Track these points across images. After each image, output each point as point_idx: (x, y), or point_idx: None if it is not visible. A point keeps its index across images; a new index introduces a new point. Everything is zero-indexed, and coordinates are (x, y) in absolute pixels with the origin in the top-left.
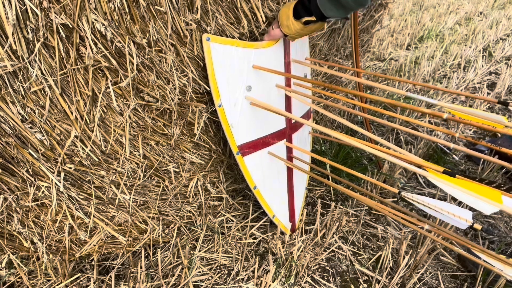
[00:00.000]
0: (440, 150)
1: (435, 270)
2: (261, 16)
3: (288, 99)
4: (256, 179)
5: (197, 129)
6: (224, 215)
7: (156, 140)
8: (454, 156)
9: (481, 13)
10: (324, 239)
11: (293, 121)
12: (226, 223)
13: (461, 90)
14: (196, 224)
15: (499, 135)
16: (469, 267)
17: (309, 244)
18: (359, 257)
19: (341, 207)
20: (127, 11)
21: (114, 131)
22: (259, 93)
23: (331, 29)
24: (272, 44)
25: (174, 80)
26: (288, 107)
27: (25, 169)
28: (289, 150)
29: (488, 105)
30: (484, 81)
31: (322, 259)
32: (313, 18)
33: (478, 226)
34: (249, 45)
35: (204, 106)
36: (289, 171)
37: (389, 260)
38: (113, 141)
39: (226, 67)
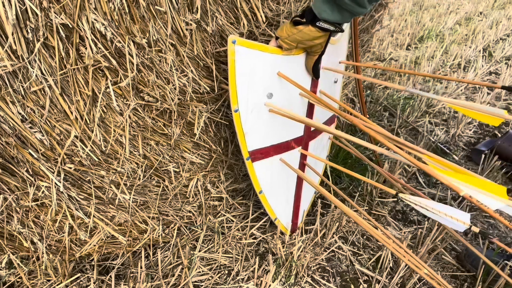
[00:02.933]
0: (440, 150)
1: (435, 270)
2: (261, 16)
3: (311, 107)
4: (263, 184)
5: (197, 129)
6: (224, 215)
7: (156, 140)
8: (454, 156)
9: (481, 13)
10: (324, 239)
11: (312, 128)
12: (226, 223)
13: (461, 90)
14: (196, 224)
15: (499, 134)
16: (467, 267)
17: (309, 244)
18: (359, 257)
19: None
20: (127, 11)
21: (114, 131)
22: (280, 100)
23: None
24: (302, 51)
25: (174, 80)
26: (310, 115)
27: (25, 169)
28: (303, 156)
29: (489, 104)
30: (484, 81)
31: (322, 259)
32: (303, 20)
33: (475, 229)
34: (278, 51)
35: (204, 106)
36: (302, 180)
37: (389, 260)
38: (113, 141)
39: (249, 72)
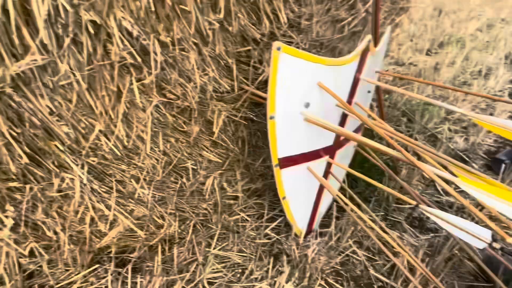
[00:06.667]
0: (460, 159)
1: (452, 279)
2: (282, 17)
3: (344, 117)
4: (288, 191)
5: (216, 128)
6: (239, 214)
7: (176, 137)
8: (473, 164)
9: (503, 19)
10: (339, 243)
11: (341, 138)
12: (241, 222)
13: (482, 99)
14: (212, 221)
15: None
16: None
17: (323, 247)
18: (374, 263)
19: (357, 211)
20: (153, 9)
21: (137, 127)
22: (316, 110)
23: (352, 32)
24: (349, 62)
25: (195, 79)
26: (342, 124)
27: (51, 160)
28: (329, 165)
29: (510, 114)
30: (506, 89)
31: (336, 262)
32: None
33: (497, 245)
34: (322, 61)
35: (224, 105)
36: (324, 186)
37: (404, 267)
38: (135, 136)
39: (290, 80)
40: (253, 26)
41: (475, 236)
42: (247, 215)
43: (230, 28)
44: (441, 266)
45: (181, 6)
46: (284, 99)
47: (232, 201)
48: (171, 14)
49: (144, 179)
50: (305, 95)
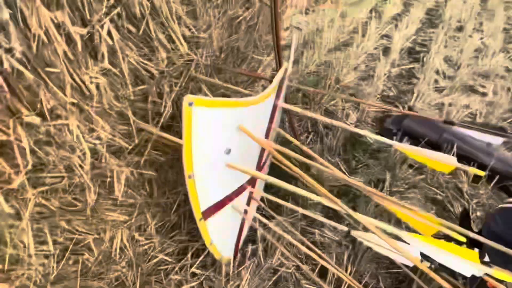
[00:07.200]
0: (356, 134)
1: (375, 271)
2: (178, 39)
3: (262, 149)
4: (214, 235)
5: (119, 190)
6: (157, 257)
7: (67, 219)
8: (368, 138)
9: None
10: (268, 260)
11: (261, 163)
12: (162, 265)
13: (362, 60)
14: (128, 281)
15: (399, 106)
16: None
17: (253, 269)
18: (303, 271)
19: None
20: (6, 89)
21: (10, 233)
22: (238, 151)
23: (248, 26)
24: (269, 95)
25: (81, 145)
26: (261, 155)
27: None
28: (251, 193)
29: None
30: (379, 46)
31: (270, 285)
32: None
33: (426, 264)
34: (241, 104)
35: (124, 160)
36: (245, 214)
37: (332, 273)
38: (11, 248)
39: (207, 133)
40: (146, 61)
41: (405, 255)
42: (166, 255)
43: (117, 71)
44: (365, 260)
45: (47, 69)
46: (203, 155)
47: (146, 246)
48: (34, 84)
49: (35, 282)
50: (225, 142)
